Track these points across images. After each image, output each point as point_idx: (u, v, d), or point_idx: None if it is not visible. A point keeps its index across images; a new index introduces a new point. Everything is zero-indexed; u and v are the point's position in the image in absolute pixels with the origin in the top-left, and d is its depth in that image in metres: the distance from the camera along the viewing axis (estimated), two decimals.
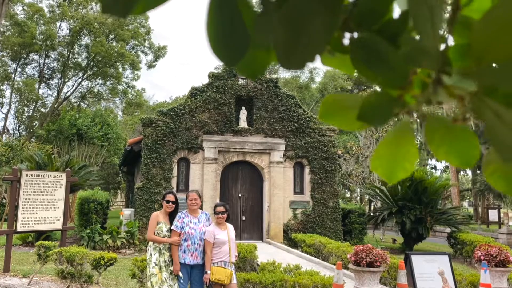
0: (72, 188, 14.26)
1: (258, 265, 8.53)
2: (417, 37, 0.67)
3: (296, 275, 6.42)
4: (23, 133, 31.14)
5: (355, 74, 0.79)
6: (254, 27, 0.65)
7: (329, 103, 0.78)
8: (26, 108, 31.67)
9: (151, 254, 5.50)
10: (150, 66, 34.26)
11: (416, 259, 6.00)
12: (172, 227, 5.51)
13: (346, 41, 0.69)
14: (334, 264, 10.02)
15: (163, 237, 5.50)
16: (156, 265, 5.40)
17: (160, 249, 5.49)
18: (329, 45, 0.69)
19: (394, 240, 18.58)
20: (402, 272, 5.46)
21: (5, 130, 30.02)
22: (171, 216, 5.68)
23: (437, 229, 21.45)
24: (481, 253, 6.30)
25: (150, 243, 5.59)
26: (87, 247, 12.00)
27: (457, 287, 5.97)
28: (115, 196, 48.82)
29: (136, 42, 32.73)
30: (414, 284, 5.84)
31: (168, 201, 5.65)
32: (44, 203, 9.39)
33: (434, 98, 0.69)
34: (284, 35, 0.63)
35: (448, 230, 21.38)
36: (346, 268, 7.96)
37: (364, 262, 5.40)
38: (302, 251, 12.10)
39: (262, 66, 0.71)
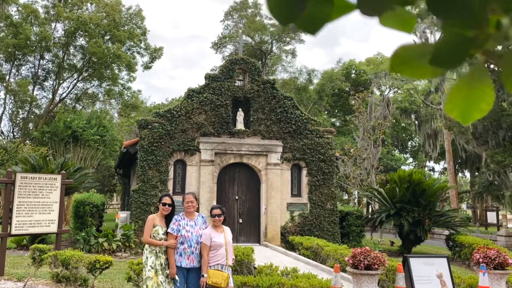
0: (67, 190, 14.21)
1: (255, 268, 8.52)
2: None
3: (293, 278, 6.41)
4: (18, 135, 31.03)
5: (412, 31, 0.82)
6: None
7: (400, 54, 0.79)
8: (20, 110, 31.56)
9: (147, 257, 5.48)
10: (146, 67, 34.25)
11: (414, 262, 6.00)
12: (169, 230, 5.50)
13: None
14: (331, 267, 10.02)
15: (159, 240, 5.50)
16: (152, 268, 5.39)
17: (156, 252, 5.48)
18: None
19: (392, 243, 18.60)
20: (400, 275, 5.46)
21: (1, 133, 29.89)
22: (168, 219, 5.68)
23: (435, 231, 21.51)
24: (480, 256, 6.32)
25: (146, 246, 5.58)
26: (83, 250, 11.96)
27: None
28: (110, 199, 48.69)
29: (132, 43, 32.70)
30: (413, 287, 5.85)
31: (164, 204, 5.64)
32: (39, 206, 9.34)
33: None
34: None
35: (446, 232, 21.47)
36: (344, 271, 7.96)
37: (362, 265, 5.40)
38: (299, 254, 12.10)
39: (322, 21, 0.72)
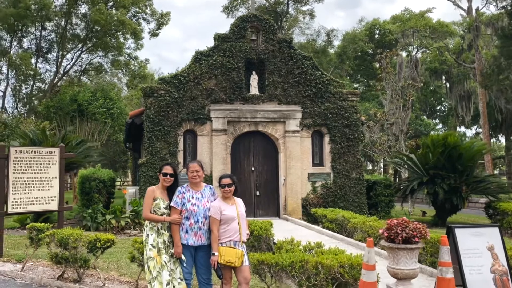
0: (71, 165, 13.92)
1: (274, 243, 8.02)
2: None
3: (318, 254, 5.84)
4: (22, 111, 30.95)
5: None
6: None
7: None
8: (23, 85, 31.35)
9: (147, 235, 4.99)
10: (153, 34, 33.47)
11: (460, 233, 5.34)
12: (172, 204, 4.97)
13: None
14: (359, 241, 9.47)
15: (161, 215, 4.97)
16: (154, 247, 4.89)
17: (158, 229, 4.97)
18: None
19: (424, 213, 17.96)
20: (445, 249, 4.82)
21: (3, 109, 29.81)
22: (170, 191, 5.13)
23: (470, 199, 20.73)
24: None
25: (147, 222, 5.07)
26: (90, 228, 11.70)
27: (509, 264, 5.33)
28: (125, 175, 48.96)
29: (137, 9, 31.87)
30: (459, 261, 5.21)
31: (165, 174, 5.09)
32: (36, 182, 8.96)
33: None
34: None
35: (482, 200, 20.64)
36: (374, 244, 7.37)
37: (400, 238, 4.78)
38: (323, 227, 11.58)
39: None
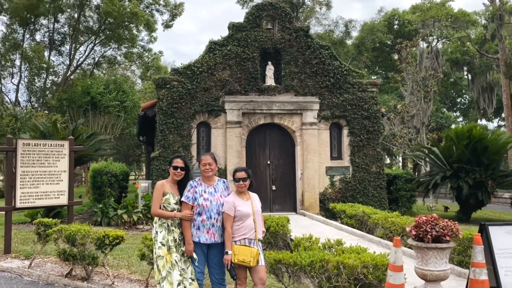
0: (82, 159, 13.78)
1: (291, 240, 7.72)
2: None
3: (338, 252, 5.52)
4: (36, 104, 31.11)
5: None
6: None
7: None
8: (36, 78, 31.47)
9: (156, 232, 4.73)
10: (167, 26, 33.27)
11: (494, 231, 4.96)
12: (183, 199, 4.69)
13: None
14: (381, 237, 9.11)
15: (171, 211, 4.70)
16: (163, 245, 4.62)
17: (168, 225, 4.71)
18: None
19: (446, 208, 17.46)
20: (478, 248, 4.45)
21: (17, 103, 30.02)
22: (181, 185, 4.85)
23: (495, 194, 20.13)
24: None
25: (156, 218, 4.81)
26: (101, 224, 11.56)
27: None
28: (139, 169, 49.07)
29: (150, 1, 31.70)
30: (493, 262, 4.84)
31: (175, 167, 4.80)
32: (45, 175, 8.80)
33: None
34: None
35: (506, 195, 20.01)
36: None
37: (429, 237, 4.42)
38: (342, 223, 11.23)
39: None
